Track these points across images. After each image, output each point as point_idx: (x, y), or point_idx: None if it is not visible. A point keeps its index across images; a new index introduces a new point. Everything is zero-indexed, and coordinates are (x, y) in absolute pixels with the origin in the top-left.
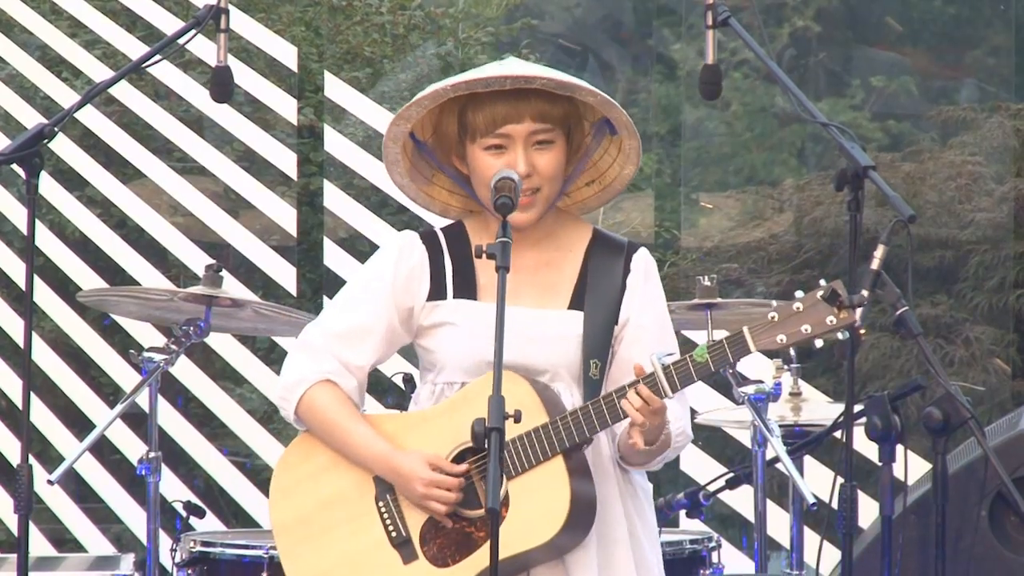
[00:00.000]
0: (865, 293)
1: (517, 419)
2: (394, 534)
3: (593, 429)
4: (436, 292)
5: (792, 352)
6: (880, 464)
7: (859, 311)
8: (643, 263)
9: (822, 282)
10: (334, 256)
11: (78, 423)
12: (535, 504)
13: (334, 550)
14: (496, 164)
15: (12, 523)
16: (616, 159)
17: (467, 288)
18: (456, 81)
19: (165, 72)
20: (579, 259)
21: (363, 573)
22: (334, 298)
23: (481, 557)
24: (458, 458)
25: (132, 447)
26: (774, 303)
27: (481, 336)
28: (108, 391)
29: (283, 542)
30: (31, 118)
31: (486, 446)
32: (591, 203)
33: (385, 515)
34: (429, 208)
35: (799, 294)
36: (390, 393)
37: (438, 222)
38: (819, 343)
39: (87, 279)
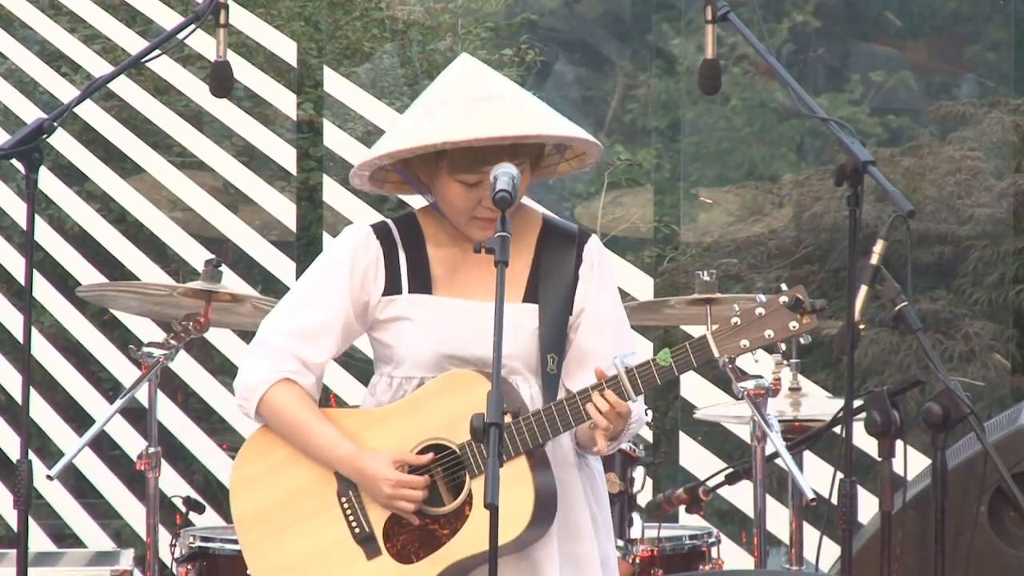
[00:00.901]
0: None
1: (516, 414)
2: (357, 530)
3: (557, 431)
4: (391, 287)
5: (792, 347)
6: (879, 459)
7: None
8: (595, 252)
9: (783, 286)
10: None
11: (77, 418)
12: (500, 503)
13: (296, 546)
14: (469, 196)
15: (12, 518)
16: (565, 154)
17: (422, 282)
18: (460, 138)
19: (164, 67)
20: (530, 251)
21: (326, 569)
22: (290, 293)
23: (445, 553)
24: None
25: (132, 442)
26: (736, 307)
27: (437, 331)
28: (107, 386)
29: (245, 536)
30: (30, 113)
31: (485, 440)
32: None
33: (348, 511)
34: (362, 184)
35: (760, 297)
36: None
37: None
38: (782, 346)
39: (86, 274)
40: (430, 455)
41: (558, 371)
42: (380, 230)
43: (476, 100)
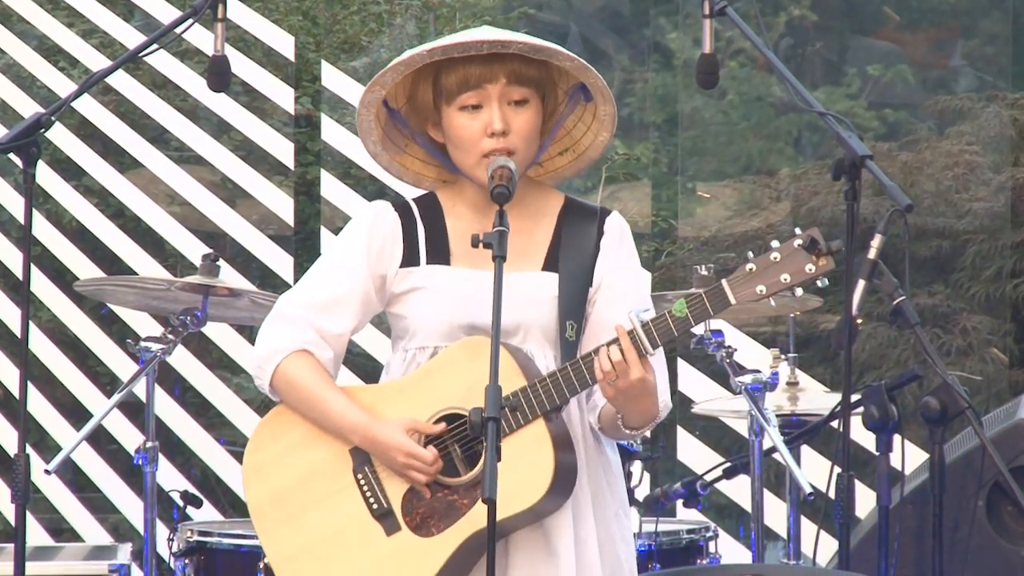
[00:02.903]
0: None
1: (514, 408)
2: (375, 506)
3: (574, 390)
4: (409, 259)
5: (790, 342)
6: (877, 454)
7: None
8: (616, 226)
9: (797, 230)
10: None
11: (75, 413)
12: (519, 469)
13: (314, 526)
14: (472, 125)
15: (9, 513)
16: (590, 127)
17: (440, 254)
18: (433, 46)
19: (162, 61)
20: (552, 224)
21: (345, 547)
22: (310, 269)
23: (466, 524)
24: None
25: (129, 437)
26: (750, 255)
27: (455, 300)
28: (105, 381)
29: (260, 521)
30: (28, 107)
31: (483, 435)
32: (565, 172)
33: (364, 487)
34: (402, 177)
35: (775, 243)
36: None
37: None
38: (799, 291)
39: (84, 268)
40: (442, 425)
41: (577, 338)
42: (399, 205)
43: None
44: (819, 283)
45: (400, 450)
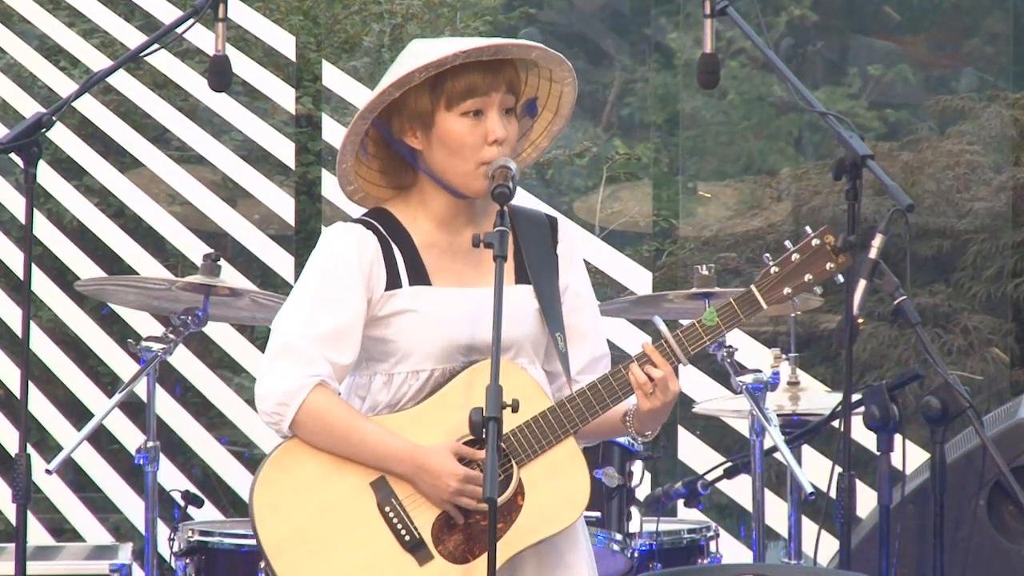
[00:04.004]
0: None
1: (515, 408)
2: (407, 538)
3: (606, 406)
4: (392, 281)
5: (791, 341)
6: (878, 453)
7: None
8: (571, 233)
9: (808, 229)
10: None
11: (76, 412)
12: (556, 487)
13: (340, 562)
14: (474, 132)
15: (10, 513)
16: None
17: (419, 274)
18: (468, 47)
19: (163, 61)
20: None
21: None
22: (299, 296)
23: (503, 547)
24: None
25: (130, 436)
26: (767, 257)
27: (449, 321)
28: (106, 380)
29: (280, 558)
30: (29, 107)
31: (483, 435)
32: None
33: (394, 519)
34: (345, 188)
35: (789, 244)
36: None
37: None
38: (819, 289)
39: (85, 268)
40: (483, 451)
41: (567, 348)
42: (369, 226)
43: (458, 38)
44: (836, 279)
45: (455, 476)
